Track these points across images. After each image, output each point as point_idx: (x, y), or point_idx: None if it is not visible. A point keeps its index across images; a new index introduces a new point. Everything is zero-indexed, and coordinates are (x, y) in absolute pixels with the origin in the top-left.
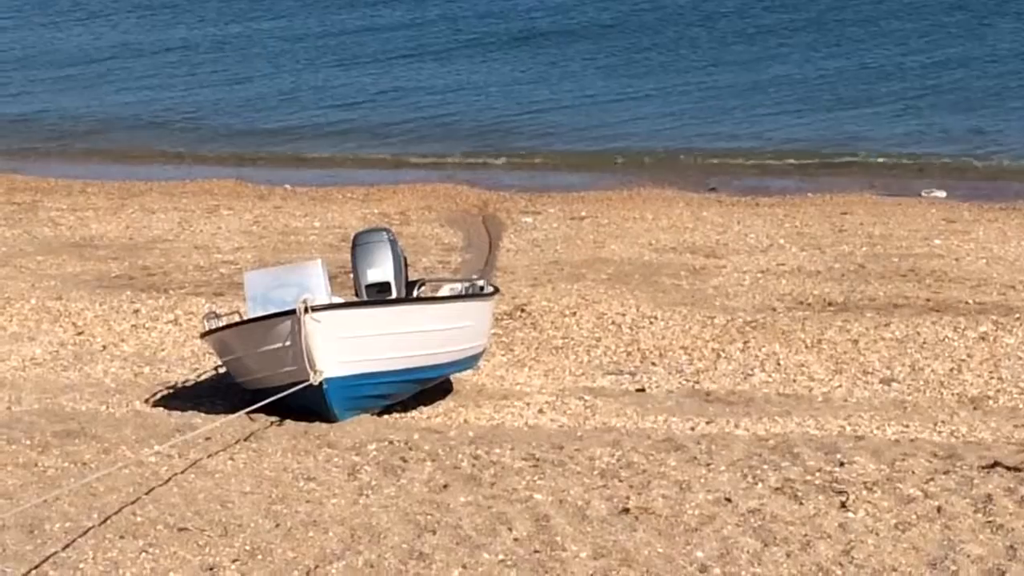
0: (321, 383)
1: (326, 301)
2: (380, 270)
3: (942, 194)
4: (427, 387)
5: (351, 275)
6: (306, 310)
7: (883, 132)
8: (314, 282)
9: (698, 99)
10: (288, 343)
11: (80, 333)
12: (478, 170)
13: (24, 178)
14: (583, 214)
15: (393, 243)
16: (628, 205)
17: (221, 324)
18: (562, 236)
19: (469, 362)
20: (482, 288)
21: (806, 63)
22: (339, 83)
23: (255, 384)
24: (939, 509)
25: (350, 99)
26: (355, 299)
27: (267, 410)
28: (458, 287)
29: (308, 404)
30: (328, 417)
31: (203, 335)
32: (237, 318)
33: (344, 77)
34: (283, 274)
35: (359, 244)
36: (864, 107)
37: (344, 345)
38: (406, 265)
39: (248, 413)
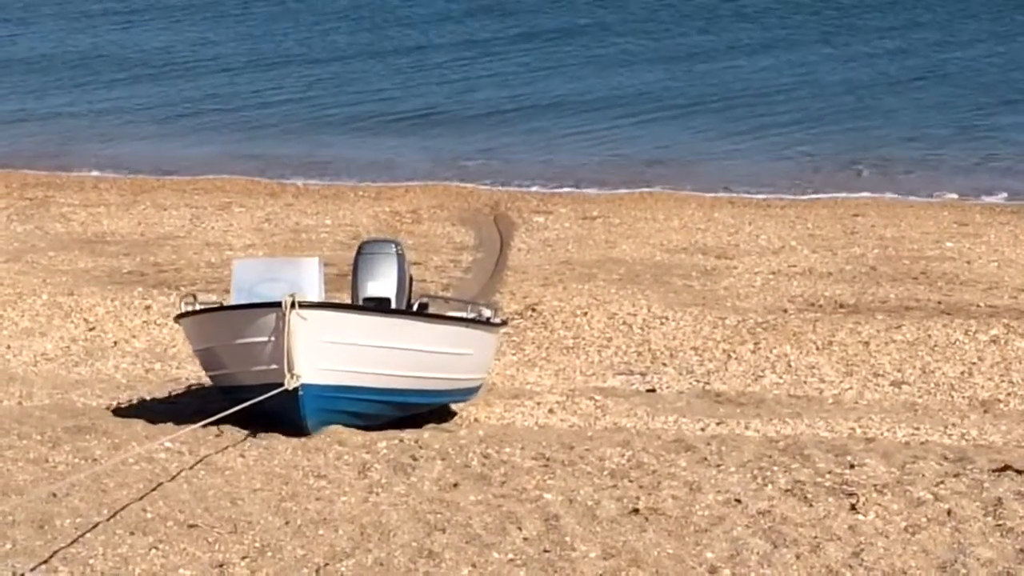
0: (296, 389)
1: (317, 299)
2: (381, 284)
3: (954, 196)
4: (409, 414)
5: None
6: (293, 305)
7: (895, 134)
8: (307, 280)
9: (710, 101)
10: (267, 339)
11: (91, 329)
12: (490, 169)
13: (36, 174)
14: (595, 214)
15: (401, 258)
16: (640, 205)
17: (199, 308)
18: (573, 236)
19: (462, 395)
20: (488, 319)
21: (819, 65)
22: (354, 81)
23: (224, 380)
24: (949, 512)
25: (364, 97)
26: (348, 302)
27: (232, 416)
28: (464, 314)
29: (277, 411)
30: (298, 428)
31: (177, 317)
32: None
33: (359, 75)
34: (275, 267)
35: (363, 253)
36: (877, 109)
37: (328, 350)
38: (411, 284)
39: (207, 425)
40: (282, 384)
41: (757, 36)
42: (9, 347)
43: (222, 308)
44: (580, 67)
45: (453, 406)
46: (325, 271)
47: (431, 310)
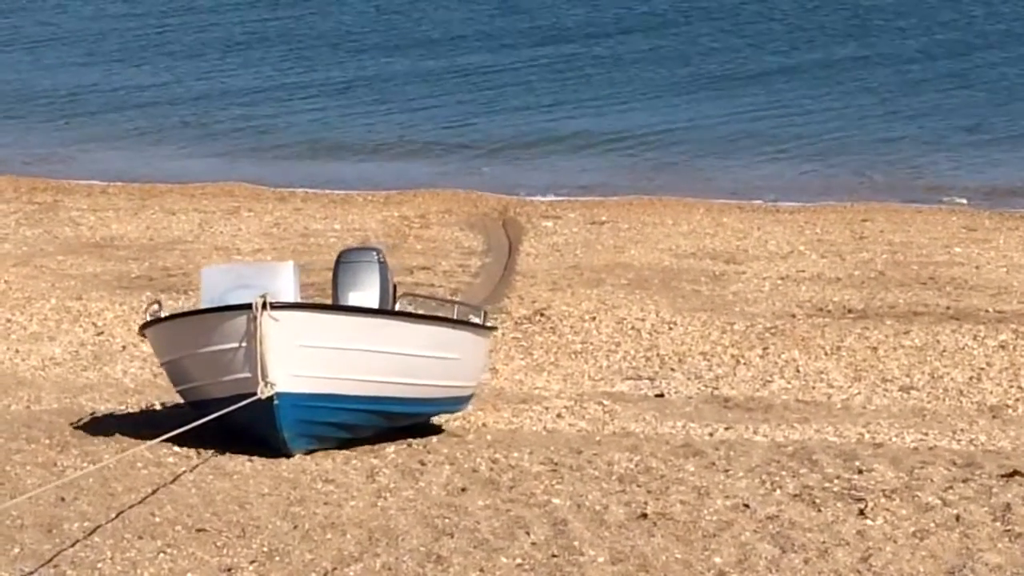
0: (271, 398)
1: (289, 300)
2: (363, 294)
3: (963, 201)
4: (397, 426)
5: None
6: (264, 306)
7: (904, 138)
8: (281, 285)
9: (718, 106)
10: (237, 345)
11: (100, 333)
12: (499, 174)
13: (45, 178)
14: (603, 219)
15: (383, 266)
16: (648, 210)
17: (163, 315)
18: (582, 241)
19: (452, 404)
20: (476, 325)
21: (830, 70)
22: (364, 85)
23: (193, 394)
24: (958, 517)
25: (374, 102)
26: (325, 302)
27: (204, 431)
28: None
29: (252, 423)
30: (275, 444)
31: (142, 328)
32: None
33: (367, 81)
34: (247, 273)
35: (343, 262)
36: (886, 113)
37: (305, 355)
38: (395, 293)
39: (164, 441)
40: (255, 394)
41: (768, 40)
42: (17, 351)
43: (188, 314)
44: (592, 73)
45: (447, 412)
46: (328, 276)
47: (413, 310)
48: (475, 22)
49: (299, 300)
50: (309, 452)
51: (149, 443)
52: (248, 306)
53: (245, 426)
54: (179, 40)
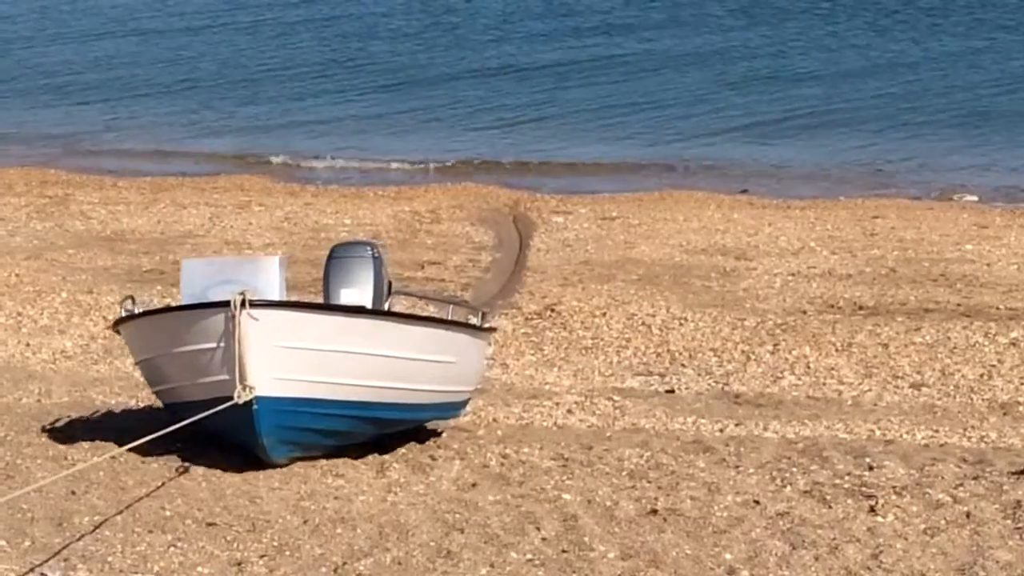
0: (249, 402)
1: (273, 298)
2: (355, 292)
3: (974, 198)
4: (387, 433)
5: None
6: (243, 304)
7: (916, 135)
8: (266, 281)
9: (730, 101)
10: (214, 345)
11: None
12: (509, 170)
13: (56, 172)
14: (614, 214)
15: (377, 261)
16: (659, 206)
17: (137, 312)
18: (593, 236)
19: (446, 410)
20: (473, 326)
21: (842, 66)
22: (371, 81)
23: (168, 396)
24: (968, 515)
25: (380, 97)
26: (307, 300)
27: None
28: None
29: (229, 429)
30: (255, 450)
31: (115, 324)
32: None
33: (375, 76)
34: (229, 267)
35: (335, 257)
36: (898, 110)
37: (287, 357)
38: (391, 290)
39: (131, 449)
40: (232, 398)
41: (783, 38)
42: (28, 344)
43: (162, 311)
44: (602, 66)
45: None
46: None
47: (405, 307)
48: (497, 28)
49: (284, 298)
50: (291, 460)
51: (158, 433)
52: (226, 303)
53: (222, 431)
54: (208, 52)
